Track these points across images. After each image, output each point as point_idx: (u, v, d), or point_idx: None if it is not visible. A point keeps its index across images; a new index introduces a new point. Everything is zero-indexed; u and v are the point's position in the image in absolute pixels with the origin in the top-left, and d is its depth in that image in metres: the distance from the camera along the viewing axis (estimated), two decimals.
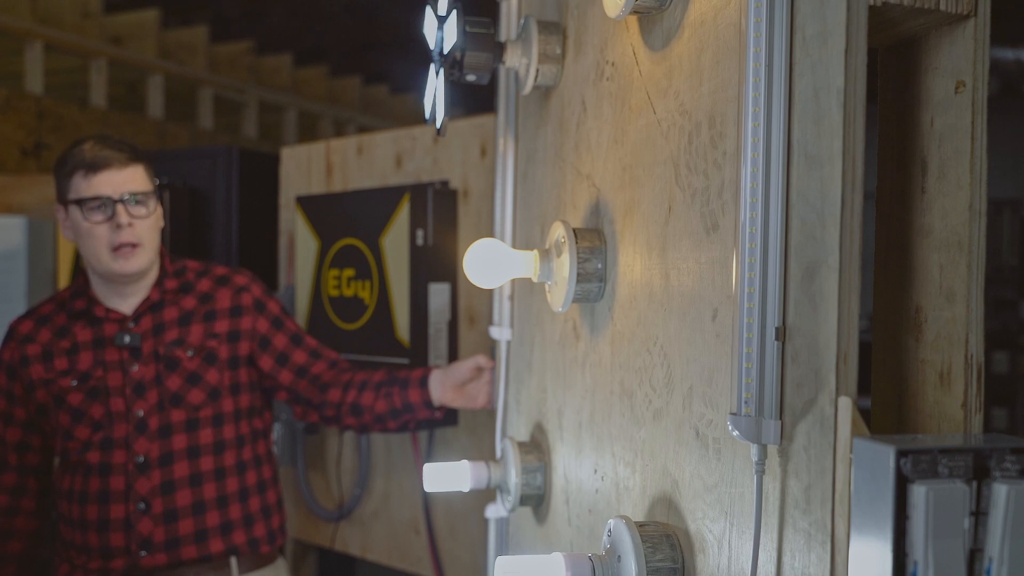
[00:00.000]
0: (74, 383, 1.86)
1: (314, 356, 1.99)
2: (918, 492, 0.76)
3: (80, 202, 1.81)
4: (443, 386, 1.87)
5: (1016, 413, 5.95)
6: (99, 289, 1.91)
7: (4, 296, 3.06)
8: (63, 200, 1.86)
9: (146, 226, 1.85)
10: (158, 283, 1.92)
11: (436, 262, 2.34)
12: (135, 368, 1.86)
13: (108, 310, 1.89)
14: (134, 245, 1.83)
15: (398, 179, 2.57)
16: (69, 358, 1.88)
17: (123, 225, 1.81)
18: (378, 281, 2.38)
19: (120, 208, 1.81)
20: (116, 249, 1.81)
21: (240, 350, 1.93)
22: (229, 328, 1.93)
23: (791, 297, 0.95)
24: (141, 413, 1.84)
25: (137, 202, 1.83)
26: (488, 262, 1.50)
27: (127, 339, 1.86)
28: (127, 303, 1.91)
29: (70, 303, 1.93)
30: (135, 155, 1.86)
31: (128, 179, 1.83)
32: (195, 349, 1.89)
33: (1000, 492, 0.77)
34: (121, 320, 1.89)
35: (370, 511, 2.63)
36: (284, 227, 2.84)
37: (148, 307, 1.90)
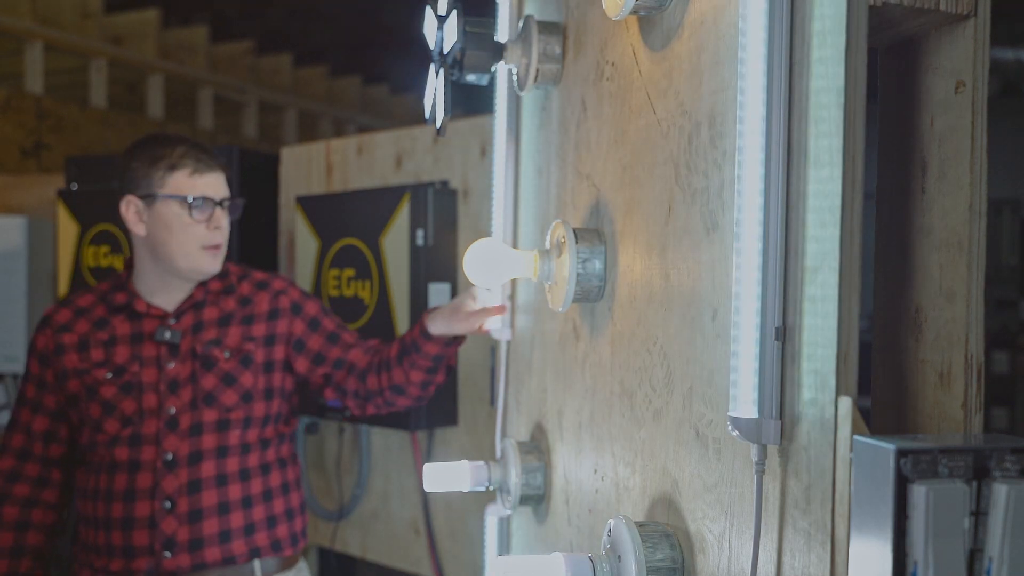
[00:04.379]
0: (109, 375, 1.87)
1: (348, 348, 1.99)
2: (918, 492, 0.76)
3: (183, 199, 1.86)
4: (441, 320, 1.86)
5: (1016, 413, 5.94)
6: (145, 284, 1.92)
7: (4, 296, 3.06)
8: (146, 193, 1.87)
9: (228, 230, 1.94)
10: (203, 283, 1.94)
11: (436, 262, 2.35)
12: (171, 365, 1.87)
13: (149, 306, 1.91)
14: (221, 245, 1.91)
15: (398, 179, 2.57)
16: (106, 350, 1.89)
17: (221, 227, 1.90)
18: (378, 281, 2.38)
19: (219, 211, 1.89)
20: (206, 248, 1.88)
21: (275, 354, 1.94)
22: (266, 332, 1.94)
23: (791, 297, 0.95)
24: (173, 410, 1.85)
25: (227, 207, 1.92)
26: (488, 262, 1.50)
27: (167, 335, 1.88)
28: (171, 300, 1.92)
29: (110, 296, 1.94)
30: (224, 164, 1.95)
31: (223, 185, 1.93)
32: (232, 351, 1.90)
33: (1000, 492, 0.77)
34: (162, 316, 1.91)
35: (370, 511, 2.63)
36: (284, 227, 2.84)
37: (191, 305, 1.92)
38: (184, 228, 1.86)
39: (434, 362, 1.88)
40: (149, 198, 1.86)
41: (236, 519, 1.87)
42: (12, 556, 1.91)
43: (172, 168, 1.86)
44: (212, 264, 1.90)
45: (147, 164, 1.87)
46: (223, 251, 1.92)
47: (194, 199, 1.85)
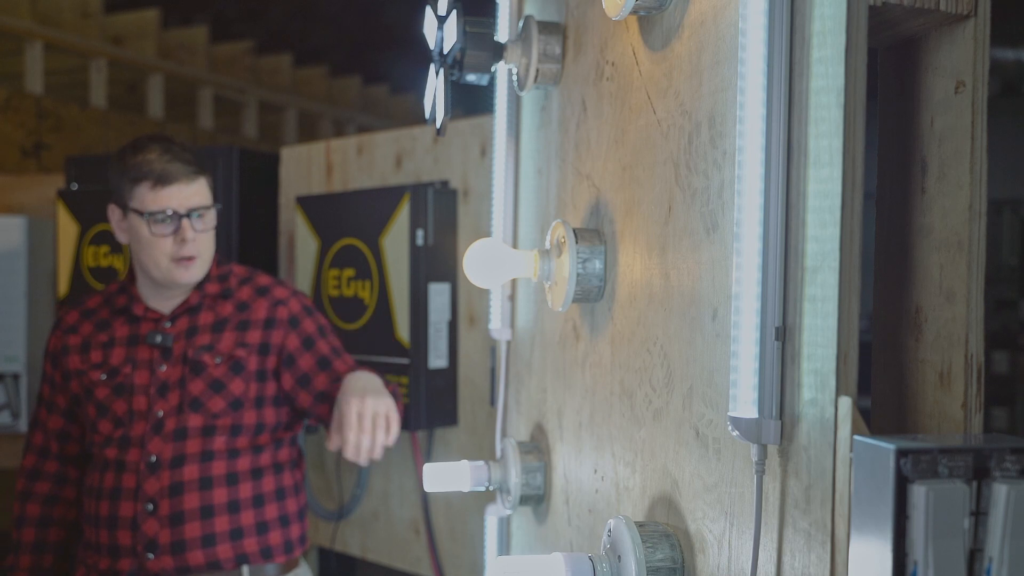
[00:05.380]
0: (103, 377, 1.88)
1: (336, 381, 1.92)
2: (918, 492, 0.76)
3: (146, 214, 1.82)
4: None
5: (1016, 413, 5.94)
6: (143, 288, 1.92)
7: (4, 296, 3.06)
8: (121, 203, 1.86)
9: (206, 239, 1.88)
10: (199, 286, 1.92)
11: (436, 262, 2.34)
12: (163, 368, 1.87)
13: (147, 309, 1.91)
14: (193, 258, 1.85)
15: (398, 179, 2.57)
16: (104, 352, 1.90)
17: (188, 240, 1.83)
18: (378, 281, 2.38)
19: (186, 223, 1.82)
20: (176, 260, 1.84)
21: (269, 363, 1.91)
22: (261, 340, 1.91)
23: (791, 297, 0.95)
24: (160, 413, 1.84)
25: (200, 216, 1.85)
26: (488, 262, 1.50)
27: (159, 338, 1.87)
28: (167, 303, 1.92)
29: (114, 299, 1.95)
30: (200, 168, 1.87)
31: (194, 194, 1.84)
32: (223, 356, 1.88)
33: (1000, 492, 0.77)
34: (157, 319, 1.90)
35: (370, 511, 2.63)
36: (284, 227, 2.84)
37: (185, 309, 1.91)
38: (151, 242, 1.82)
39: None
40: (124, 208, 1.86)
41: (221, 523, 1.84)
42: (35, 552, 1.94)
43: (136, 181, 1.82)
44: (185, 276, 1.85)
45: (119, 174, 1.85)
46: (200, 262, 1.86)
47: (151, 215, 1.80)
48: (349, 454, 1.68)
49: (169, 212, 1.81)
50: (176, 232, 1.82)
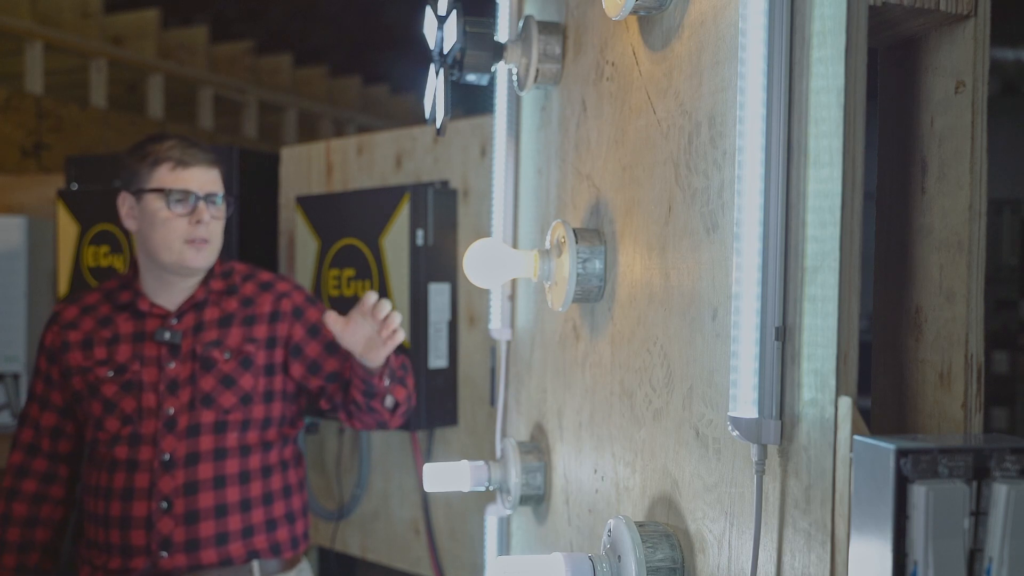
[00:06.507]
0: (110, 374, 1.88)
1: (345, 360, 1.97)
2: (918, 492, 0.76)
3: (165, 192, 1.85)
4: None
5: (1016, 413, 5.94)
6: (147, 283, 1.93)
7: (4, 296, 3.06)
8: (135, 188, 1.88)
9: (218, 227, 1.92)
10: (204, 282, 1.94)
11: (436, 262, 2.34)
12: (171, 365, 1.87)
13: (152, 305, 1.91)
14: (206, 241, 1.88)
15: (398, 179, 2.57)
16: (108, 348, 1.90)
17: (203, 221, 1.87)
18: (378, 281, 2.38)
19: (202, 205, 1.87)
20: (189, 242, 1.87)
21: (276, 357, 1.94)
22: (267, 334, 1.93)
23: (791, 297, 0.95)
24: (171, 411, 1.85)
25: (215, 203, 1.90)
26: (488, 262, 1.50)
27: (167, 335, 1.88)
28: (172, 300, 1.92)
29: (116, 295, 1.95)
30: (215, 160, 1.94)
31: (212, 180, 1.91)
32: (232, 352, 1.89)
33: (1000, 492, 0.77)
34: (164, 316, 1.91)
35: (370, 511, 2.63)
36: (284, 227, 2.84)
37: (192, 305, 1.92)
38: (165, 222, 1.85)
39: (366, 385, 1.88)
40: (138, 193, 1.88)
41: (234, 521, 1.86)
42: (20, 551, 1.93)
43: (156, 163, 1.87)
44: (196, 259, 1.87)
45: (137, 160, 1.89)
46: (211, 247, 1.89)
47: (172, 192, 1.85)
48: (340, 326, 1.80)
49: (190, 192, 1.86)
50: (193, 213, 1.86)
